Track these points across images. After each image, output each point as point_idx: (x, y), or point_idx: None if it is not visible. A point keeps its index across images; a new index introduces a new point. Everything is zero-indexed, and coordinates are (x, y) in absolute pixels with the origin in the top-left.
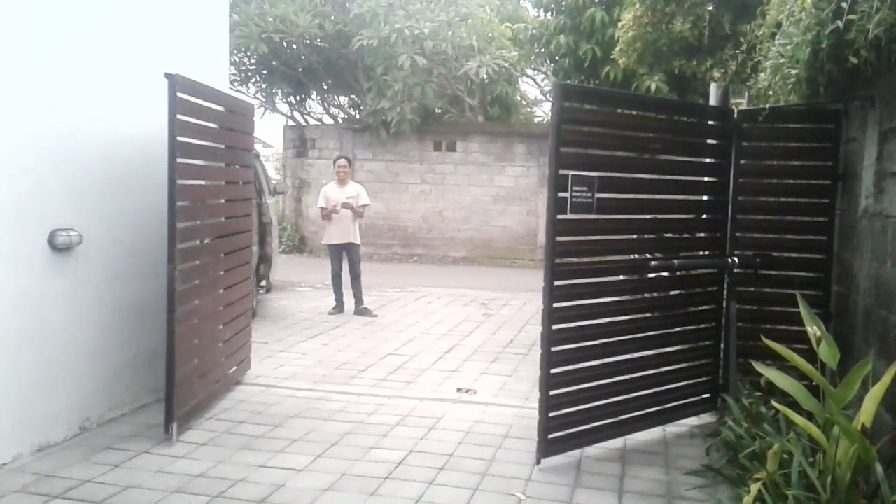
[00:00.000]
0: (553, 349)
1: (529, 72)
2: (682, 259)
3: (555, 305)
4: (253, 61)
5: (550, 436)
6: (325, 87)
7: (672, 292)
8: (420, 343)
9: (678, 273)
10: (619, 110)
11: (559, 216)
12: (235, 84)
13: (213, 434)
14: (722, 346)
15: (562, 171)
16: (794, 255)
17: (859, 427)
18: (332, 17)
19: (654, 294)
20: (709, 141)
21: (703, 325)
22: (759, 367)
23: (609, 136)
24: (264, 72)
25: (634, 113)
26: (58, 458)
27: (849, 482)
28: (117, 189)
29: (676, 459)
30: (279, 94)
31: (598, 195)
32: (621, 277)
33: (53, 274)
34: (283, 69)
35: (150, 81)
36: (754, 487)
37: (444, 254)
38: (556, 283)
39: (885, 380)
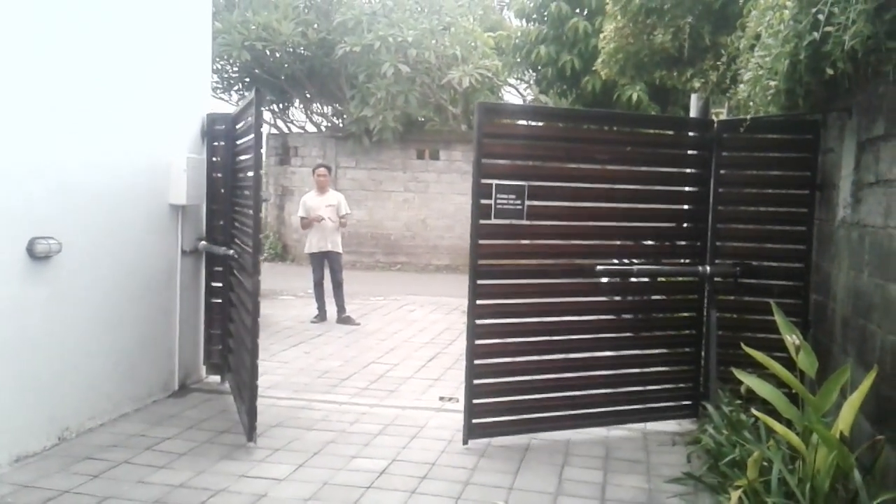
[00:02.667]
0: (477, 342)
1: (513, 81)
2: (644, 266)
3: (477, 302)
4: (236, 69)
5: (474, 420)
6: (308, 95)
7: (633, 298)
8: (403, 351)
9: (659, 280)
10: (570, 125)
11: (482, 221)
12: (218, 92)
13: (194, 444)
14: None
15: (485, 181)
16: (773, 263)
17: (838, 435)
18: (316, 25)
19: (613, 298)
20: (689, 152)
21: (681, 332)
22: (739, 374)
23: (536, 148)
24: (247, 80)
25: (560, 125)
26: (36, 468)
27: (828, 489)
28: (98, 198)
29: (658, 467)
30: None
31: (529, 202)
32: (562, 280)
33: (32, 282)
34: (266, 77)
35: (133, 90)
36: (734, 495)
37: (427, 262)
38: (479, 281)
39: (863, 388)
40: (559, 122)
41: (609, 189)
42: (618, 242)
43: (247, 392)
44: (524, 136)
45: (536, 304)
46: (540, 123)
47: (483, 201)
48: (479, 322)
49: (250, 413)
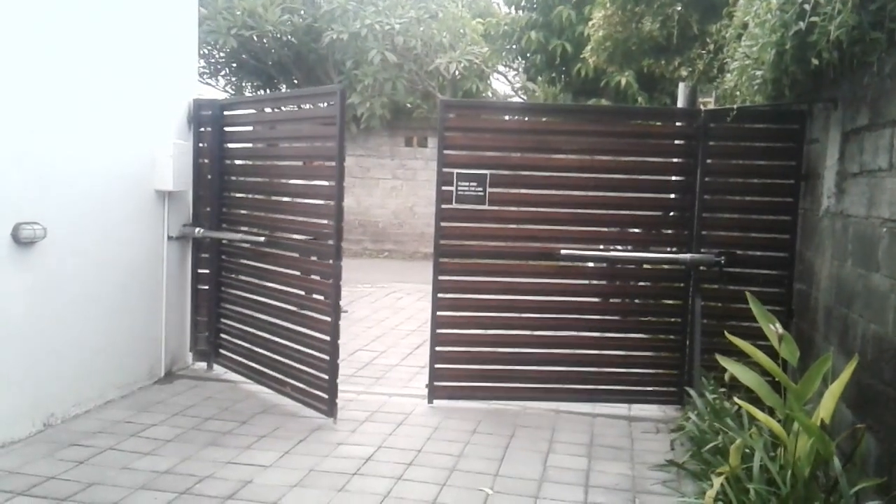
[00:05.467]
0: (439, 313)
1: (501, 68)
2: (619, 253)
3: (440, 278)
4: (222, 54)
5: (436, 383)
6: (296, 82)
7: (614, 283)
8: (390, 339)
9: (644, 267)
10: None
11: (444, 205)
12: (205, 77)
13: (180, 430)
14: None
15: (447, 170)
16: (758, 252)
17: (819, 422)
18: (302, 12)
19: (580, 283)
20: (676, 141)
21: (665, 320)
22: (722, 361)
23: (495, 140)
24: (234, 64)
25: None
26: (21, 454)
27: (808, 476)
28: (83, 184)
29: (642, 454)
30: (249, 87)
31: (492, 189)
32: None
33: (17, 268)
34: (253, 63)
35: (119, 75)
36: (717, 481)
37: (414, 249)
38: (442, 259)
39: (844, 376)
40: (521, 115)
41: (580, 178)
42: (586, 229)
43: (329, 371)
44: (484, 129)
45: (494, 282)
46: (500, 117)
47: (445, 188)
48: (441, 296)
49: (331, 391)
